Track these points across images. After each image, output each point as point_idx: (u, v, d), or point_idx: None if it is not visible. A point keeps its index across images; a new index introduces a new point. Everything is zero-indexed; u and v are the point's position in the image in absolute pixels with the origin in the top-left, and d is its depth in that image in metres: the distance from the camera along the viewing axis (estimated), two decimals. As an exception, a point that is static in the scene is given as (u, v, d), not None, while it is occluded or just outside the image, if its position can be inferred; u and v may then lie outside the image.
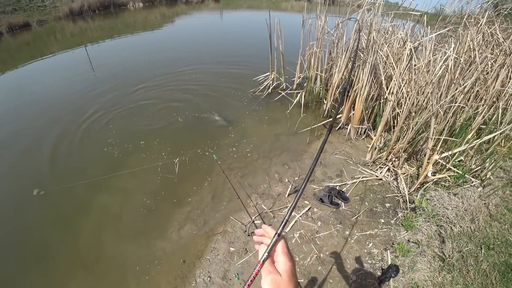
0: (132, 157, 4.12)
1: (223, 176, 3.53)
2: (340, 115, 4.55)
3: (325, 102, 4.92)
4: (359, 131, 4.32)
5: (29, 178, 4.00)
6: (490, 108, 3.50)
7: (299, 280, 2.48)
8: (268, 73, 5.75)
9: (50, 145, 4.56)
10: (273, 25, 5.18)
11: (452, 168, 3.32)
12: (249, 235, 2.86)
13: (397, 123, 3.56)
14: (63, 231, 3.22)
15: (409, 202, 3.15)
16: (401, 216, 3.04)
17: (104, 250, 2.93)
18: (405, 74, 3.49)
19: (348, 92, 4.52)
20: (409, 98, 3.30)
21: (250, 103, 5.38)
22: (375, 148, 3.80)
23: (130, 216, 3.24)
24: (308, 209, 3.09)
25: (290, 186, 3.34)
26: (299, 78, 5.69)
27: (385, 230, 2.90)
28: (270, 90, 5.68)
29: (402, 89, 3.49)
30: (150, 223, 3.14)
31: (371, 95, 4.08)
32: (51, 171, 4.10)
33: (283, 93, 5.49)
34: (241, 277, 2.54)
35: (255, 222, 2.91)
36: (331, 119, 4.49)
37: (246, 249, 2.76)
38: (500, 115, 3.45)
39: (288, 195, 3.25)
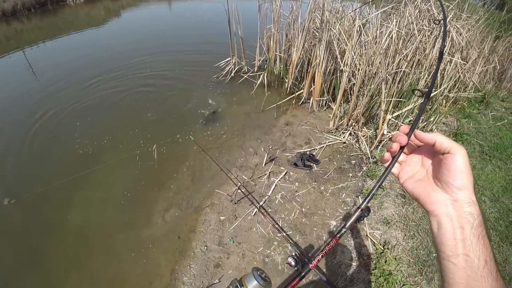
0: (107, 150, 4.08)
1: (201, 156, 3.71)
2: (302, 90, 4.90)
3: (286, 80, 5.24)
4: (321, 103, 4.70)
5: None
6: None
7: (288, 232, 2.77)
8: (229, 58, 5.92)
9: (6, 153, 4.29)
10: (231, 11, 5.34)
11: (403, 124, 3.80)
12: (235, 203, 3.08)
13: (353, 92, 3.96)
14: (46, 233, 3.13)
15: (371, 158, 3.57)
16: (366, 169, 3.45)
17: (94, 246, 2.94)
18: (356, 48, 3.90)
19: (307, 68, 4.88)
20: (362, 69, 3.70)
21: (215, 87, 5.53)
22: (337, 116, 4.19)
23: (115, 208, 3.27)
24: (285, 174, 3.39)
25: (265, 156, 3.60)
26: (259, 60, 5.93)
27: (354, 182, 3.30)
28: (233, 74, 5.86)
29: (355, 61, 3.91)
30: (138, 210, 3.20)
31: (328, 70, 4.47)
32: (17, 178, 3.88)
33: (245, 76, 5.72)
34: (236, 240, 2.75)
35: (240, 190, 3.13)
36: (294, 95, 4.84)
37: (235, 215, 2.98)
38: (439, 79, 4.02)
39: (265, 164, 3.52)
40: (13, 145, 4.41)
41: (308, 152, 3.66)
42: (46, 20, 18.53)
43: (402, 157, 0.60)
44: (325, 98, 4.62)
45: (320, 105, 4.73)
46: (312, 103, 4.67)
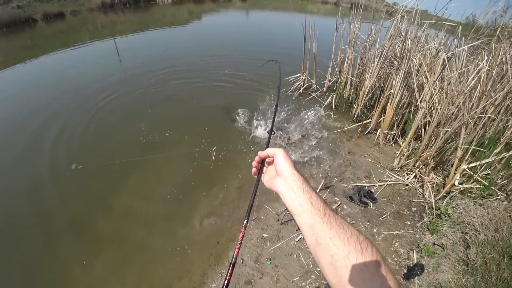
0: (170, 141, 4.44)
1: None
2: (370, 120, 4.69)
3: (355, 106, 5.07)
4: (388, 136, 4.45)
5: (68, 153, 4.37)
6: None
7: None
8: (299, 74, 5.93)
9: (79, 124, 5.02)
10: (308, 27, 5.35)
11: (479, 179, 3.41)
12: (282, 224, 3.05)
13: (426, 131, 3.68)
14: (94, 206, 3.48)
15: (435, 209, 3.27)
16: (427, 221, 3.17)
17: (133, 230, 3.13)
18: (437, 83, 3.61)
19: (379, 97, 4.67)
20: (440, 107, 3.41)
21: (282, 101, 5.57)
22: (403, 154, 3.93)
23: (160, 200, 3.46)
24: (338, 205, 3.27)
25: (321, 183, 3.52)
26: (329, 81, 5.84)
27: (411, 232, 3.05)
28: (301, 91, 5.87)
29: (434, 98, 3.61)
30: (181, 209, 3.34)
31: (402, 102, 4.21)
32: (86, 148, 4.50)
33: (313, 95, 5.68)
34: (273, 261, 2.73)
35: (288, 211, 3.11)
36: (361, 122, 4.66)
37: (279, 236, 2.95)
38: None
39: (319, 191, 3.43)
40: (87, 117, 5.18)
41: (366, 187, 3.48)
42: (137, 15, 20.57)
43: (265, 169, 0.88)
44: (394, 132, 4.35)
45: (387, 139, 4.47)
46: (379, 135, 4.44)
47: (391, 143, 4.47)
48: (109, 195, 3.56)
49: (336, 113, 5.24)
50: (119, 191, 3.61)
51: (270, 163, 0.88)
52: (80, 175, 3.93)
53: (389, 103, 4.19)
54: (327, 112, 5.23)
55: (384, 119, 4.37)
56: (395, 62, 4.29)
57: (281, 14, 22.82)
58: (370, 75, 4.67)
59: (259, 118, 4.86)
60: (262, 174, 0.87)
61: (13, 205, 3.55)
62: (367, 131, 4.68)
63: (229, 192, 3.52)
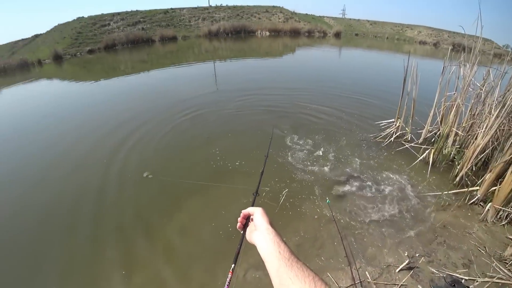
0: (239, 172, 4.30)
1: (329, 225, 3.28)
2: (477, 187, 3.75)
3: (458, 166, 4.14)
4: (501, 214, 3.45)
5: (144, 160, 4.74)
6: None
7: None
8: (393, 120, 5.24)
9: (169, 137, 5.48)
10: (410, 68, 4.73)
11: None
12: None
13: None
14: (152, 219, 3.59)
15: None
16: None
17: (177, 257, 3.04)
18: None
19: (492, 159, 3.73)
20: None
21: (369, 148, 4.99)
22: (523, 243, 2.96)
23: (212, 233, 3.26)
24: (421, 297, 2.55)
25: (405, 262, 2.82)
26: (428, 131, 5.00)
27: None
28: (392, 139, 5.14)
29: None
30: (227, 251, 2.99)
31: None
32: (160, 159, 4.80)
33: (407, 145, 4.88)
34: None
35: (354, 290, 2.53)
36: (465, 189, 3.74)
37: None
38: None
39: (399, 271, 2.75)
40: (169, 128, 5.74)
41: (463, 281, 2.67)
42: (237, 44, 22.39)
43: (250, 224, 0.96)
44: (510, 211, 3.35)
45: (499, 216, 3.47)
46: (488, 209, 3.47)
47: (504, 222, 3.44)
48: (168, 212, 3.63)
49: (433, 172, 4.33)
50: (178, 210, 3.64)
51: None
52: (149, 184, 4.17)
53: (508, 173, 3.26)
54: (420, 168, 4.43)
55: (498, 189, 3.41)
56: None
57: (375, 53, 21.96)
58: (484, 131, 3.79)
59: (345, 167, 4.42)
60: (247, 229, 0.95)
61: (80, 198, 3.99)
62: (471, 201, 3.73)
63: (291, 244, 3.08)
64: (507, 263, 2.91)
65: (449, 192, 3.78)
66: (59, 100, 8.91)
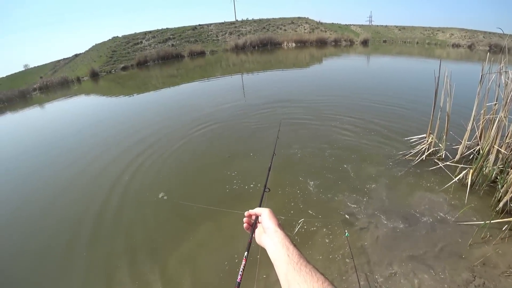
0: (257, 197, 3.99)
1: (348, 257, 2.94)
2: (527, 215, 3.24)
3: (501, 190, 3.60)
4: (557, 247, 2.93)
5: (161, 181, 4.71)
6: None
7: None
8: (425, 135, 4.77)
9: (193, 155, 5.48)
10: (442, 78, 4.28)
11: None
12: None
13: None
14: (166, 237, 3.57)
15: None
16: None
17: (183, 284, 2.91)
18: None
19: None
20: None
21: (396, 168, 4.56)
22: None
23: (217, 265, 3.07)
24: None
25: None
26: (465, 148, 4.49)
27: None
28: (424, 157, 4.65)
29: None
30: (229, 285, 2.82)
31: None
32: (176, 181, 4.75)
33: (440, 164, 4.34)
34: None
35: None
36: (510, 218, 3.22)
37: None
38: None
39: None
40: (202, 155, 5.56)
41: (512, 333, 2.24)
42: (264, 56, 22.60)
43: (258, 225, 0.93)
44: None
45: (555, 250, 2.95)
46: (540, 241, 2.97)
47: (562, 257, 2.92)
48: (178, 236, 3.55)
49: (471, 196, 3.75)
50: (187, 235, 3.54)
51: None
52: (163, 206, 4.13)
53: None
54: (456, 191, 3.94)
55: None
56: None
57: (405, 59, 21.03)
58: (533, 150, 3.30)
59: (368, 191, 4.05)
60: (256, 230, 0.93)
61: (95, 217, 4.09)
62: (518, 230, 3.20)
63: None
64: None
65: (492, 221, 3.24)
66: (90, 117, 9.69)
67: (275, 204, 3.85)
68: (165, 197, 4.25)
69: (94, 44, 29.32)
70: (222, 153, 5.40)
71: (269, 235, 0.82)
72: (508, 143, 3.88)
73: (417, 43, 33.32)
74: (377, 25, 42.24)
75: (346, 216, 3.61)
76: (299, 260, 0.71)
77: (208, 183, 4.58)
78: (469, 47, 29.84)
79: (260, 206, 1.06)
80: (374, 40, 33.93)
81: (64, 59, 29.76)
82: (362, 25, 41.54)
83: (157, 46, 26.62)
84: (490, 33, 32.99)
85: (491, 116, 4.05)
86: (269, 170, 1.60)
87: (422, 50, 27.69)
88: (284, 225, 3.28)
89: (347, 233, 2.78)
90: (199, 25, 32.41)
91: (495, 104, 4.01)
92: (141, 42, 27.63)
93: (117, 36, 29.34)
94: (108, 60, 23.62)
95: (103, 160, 5.69)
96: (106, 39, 29.26)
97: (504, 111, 3.82)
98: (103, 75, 20.70)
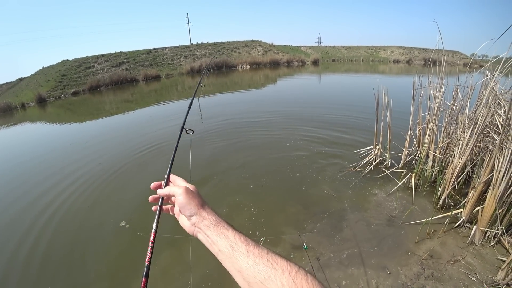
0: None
1: (309, 269, 3.08)
2: (461, 209, 3.67)
3: (439, 188, 4.08)
4: (488, 235, 3.36)
5: (123, 209, 4.46)
6: None
7: None
8: (372, 147, 5.23)
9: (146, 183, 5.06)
10: (381, 95, 4.79)
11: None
12: None
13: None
14: (130, 267, 3.35)
15: None
16: None
17: None
18: None
19: (472, 178, 3.68)
20: None
21: (348, 179, 4.89)
22: (513, 265, 2.83)
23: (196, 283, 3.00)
24: None
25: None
26: (408, 155, 4.99)
27: None
28: (372, 166, 5.08)
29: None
30: None
31: (510, 190, 3.18)
32: (139, 210, 4.42)
33: (387, 172, 4.81)
34: None
35: None
36: (449, 213, 3.64)
37: None
38: None
39: (387, 313, 2.58)
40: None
41: (457, 316, 2.51)
42: (219, 79, 22.98)
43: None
44: (497, 231, 3.26)
45: (487, 237, 3.38)
46: (474, 231, 3.38)
47: (492, 243, 3.32)
48: (135, 268, 3.29)
49: (416, 197, 4.21)
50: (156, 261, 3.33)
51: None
52: (124, 235, 3.91)
53: (490, 191, 3.21)
54: (402, 195, 4.35)
55: (482, 210, 3.35)
56: (496, 137, 3.40)
57: (353, 76, 22.82)
58: (461, 151, 3.78)
59: (321, 203, 4.27)
60: (177, 214, 0.78)
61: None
62: (457, 224, 3.63)
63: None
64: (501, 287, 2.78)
65: (433, 217, 3.66)
66: (35, 145, 8.81)
67: (236, 225, 3.93)
68: (127, 226, 4.08)
69: (41, 68, 27.64)
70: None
71: (196, 224, 0.66)
72: (441, 147, 4.41)
73: (362, 60, 36.16)
74: (326, 46, 45.20)
75: (303, 229, 3.77)
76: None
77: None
78: (407, 62, 33.25)
79: (179, 178, 0.81)
80: (323, 59, 36.17)
81: (6, 83, 27.62)
82: (312, 46, 44.13)
83: (110, 70, 25.79)
84: (423, 49, 36.82)
85: (426, 125, 4.57)
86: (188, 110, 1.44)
87: (368, 66, 30.13)
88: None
89: (305, 247, 2.95)
90: (154, 48, 32.19)
91: (428, 114, 4.54)
92: (93, 66, 26.63)
93: (67, 60, 27.99)
94: (57, 85, 22.24)
95: (43, 196, 5.10)
96: (54, 63, 27.74)
97: (432, 121, 4.36)
98: (52, 100, 19.36)
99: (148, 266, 0.69)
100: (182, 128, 1.04)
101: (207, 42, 36.63)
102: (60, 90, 21.30)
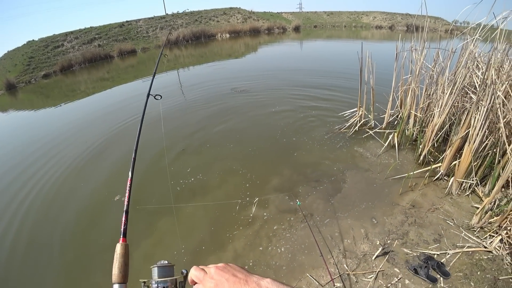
0: (213, 188, 4.16)
1: (303, 223, 3.32)
2: (439, 164, 3.94)
3: (420, 146, 4.35)
4: (464, 185, 3.66)
5: (118, 184, 4.47)
6: None
7: None
8: (356, 109, 5.40)
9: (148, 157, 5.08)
10: (365, 58, 4.88)
11: None
12: (327, 299, 2.55)
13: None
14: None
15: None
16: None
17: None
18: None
19: (451, 136, 3.93)
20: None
21: (334, 140, 5.11)
22: (486, 211, 3.14)
23: (190, 250, 3.15)
24: (398, 280, 2.63)
25: (379, 248, 2.91)
26: (390, 116, 5.20)
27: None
28: (357, 128, 5.30)
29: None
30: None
31: (484, 145, 3.44)
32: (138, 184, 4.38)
33: (371, 132, 5.07)
34: None
35: (336, 284, 2.59)
36: (429, 167, 3.92)
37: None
38: None
39: (376, 257, 2.84)
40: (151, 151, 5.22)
41: (435, 256, 2.80)
42: (198, 50, 22.17)
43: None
44: (472, 182, 3.55)
45: (463, 188, 3.68)
46: (451, 183, 3.67)
47: (468, 193, 3.64)
48: (134, 240, 3.32)
49: (400, 154, 4.54)
50: (146, 237, 3.42)
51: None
52: (120, 208, 3.89)
53: (466, 146, 3.45)
54: (387, 153, 4.60)
55: (459, 163, 3.62)
56: (473, 96, 3.59)
57: (335, 41, 22.62)
58: (440, 110, 3.99)
59: (311, 163, 4.43)
60: None
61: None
62: (436, 177, 3.93)
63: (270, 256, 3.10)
64: (475, 231, 3.09)
65: (415, 172, 3.96)
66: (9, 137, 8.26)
67: (229, 189, 4.07)
68: (123, 199, 4.15)
69: (6, 52, 25.87)
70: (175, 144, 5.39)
71: None
72: (422, 107, 4.61)
73: (345, 26, 35.69)
74: (307, 12, 44.16)
75: (295, 188, 4.00)
76: None
77: (164, 177, 4.41)
78: (390, 28, 33.05)
79: None
80: (305, 26, 35.46)
81: (-30, 72, 25.92)
82: (293, 12, 43.02)
83: (82, 48, 24.37)
84: (406, 14, 36.63)
85: (408, 86, 4.74)
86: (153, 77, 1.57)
87: (350, 32, 29.86)
88: (242, 208, 3.54)
89: (298, 202, 3.15)
90: (127, 21, 30.53)
91: (410, 76, 4.69)
92: (63, 44, 25.14)
93: (33, 40, 26.22)
94: (25, 69, 20.85)
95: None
96: (20, 44, 25.97)
97: (414, 82, 4.53)
98: (22, 86, 18.19)
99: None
100: (149, 94, 1.13)
101: (184, 12, 35.10)
102: (30, 74, 19.98)
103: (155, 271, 0.67)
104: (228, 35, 28.65)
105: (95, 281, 2.95)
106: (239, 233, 3.29)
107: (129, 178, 1.00)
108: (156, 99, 1.13)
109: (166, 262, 0.70)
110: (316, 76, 9.44)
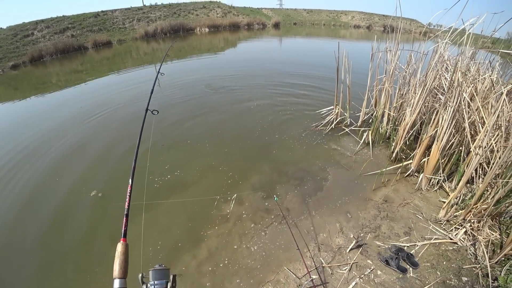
0: (192, 184, 4.13)
1: (280, 218, 3.40)
2: (410, 161, 4.15)
3: (393, 144, 4.55)
4: (432, 181, 3.88)
5: (94, 180, 4.36)
6: None
7: None
8: (332, 107, 5.55)
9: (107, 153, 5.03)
10: (341, 57, 5.02)
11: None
12: (303, 291, 2.64)
13: (482, 181, 3.11)
14: (104, 235, 3.34)
15: (490, 277, 2.66)
16: (483, 296, 2.58)
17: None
18: (496, 124, 3.08)
19: (422, 134, 4.14)
20: (501, 156, 2.86)
21: (311, 137, 5.24)
22: (452, 205, 3.35)
23: (166, 247, 3.13)
24: (371, 271, 2.78)
25: (353, 241, 3.04)
26: (365, 114, 5.39)
27: (464, 311, 2.48)
28: (333, 125, 5.46)
29: (491, 144, 3.07)
30: (188, 258, 2.98)
31: (450, 143, 3.67)
32: (110, 177, 4.39)
33: (347, 130, 5.24)
34: None
35: (312, 276, 2.69)
36: (400, 164, 4.12)
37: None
38: None
39: (350, 250, 2.97)
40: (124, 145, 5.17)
41: (405, 248, 2.97)
42: (176, 43, 21.62)
43: None
44: (439, 178, 3.78)
45: (431, 183, 3.90)
46: (421, 179, 3.88)
47: (436, 188, 3.87)
48: (112, 236, 3.28)
49: (374, 152, 4.75)
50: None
51: None
52: (98, 203, 3.87)
53: (434, 144, 3.66)
54: (361, 150, 4.79)
55: (428, 160, 3.83)
56: (441, 97, 3.79)
57: (314, 39, 22.90)
58: (411, 110, 4.19)
59: (288, 160, 4.53)
60: None
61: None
62: (407, 174, 4.14)
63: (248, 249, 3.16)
64: (442, 224, 3.29)
65: (387, 168, 4.15)
66: None
67: (202, 188, 4.05)
68: (99, 194, 4.01)
69: (-31, 41, 24.26)
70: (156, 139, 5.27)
71: None
72: (395, 107, 4.82)
73: (324, 24, 36.19)
74: (287, 9, 44.31)
75: (272, 184, 4.09)
76: None
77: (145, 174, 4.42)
78: (368, 28, 33.91)
79: None
80: (285, 22, 35.64)
81: None
82: (273, 8, 43.04)
83: (54, 38, 23.19)
84: (384, 15, 37.61)
85: (382, 86, 4.92)
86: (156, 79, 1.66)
87: (329, 31, 30.33)
88: (220, 203, 3.57)
89: (276, 198, 3.24)
90: (102, 11, 29.38)
91: (384, 76, 4.88)
92: (33, 33, 23.84)
93: (1, 28, 24.74)
94: None
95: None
96: (-16, 33, 24.40)
97: (388, 82, 4.72)
98: None
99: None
100: (147, 109, 1.20)
101: (162, 4, 34.26)
102: (-4, 64, 18.96)
103: (151, 273, 0.75)
104: (207, 30, 28.29)
105: (69, 277, 2.87)
106: (216, 229, 3.32)
107: (129, 185, 1.06)
108: (153, 114, 1.23)
109: (163, 265, 0.78)
110: (294, 74, 9.58)
